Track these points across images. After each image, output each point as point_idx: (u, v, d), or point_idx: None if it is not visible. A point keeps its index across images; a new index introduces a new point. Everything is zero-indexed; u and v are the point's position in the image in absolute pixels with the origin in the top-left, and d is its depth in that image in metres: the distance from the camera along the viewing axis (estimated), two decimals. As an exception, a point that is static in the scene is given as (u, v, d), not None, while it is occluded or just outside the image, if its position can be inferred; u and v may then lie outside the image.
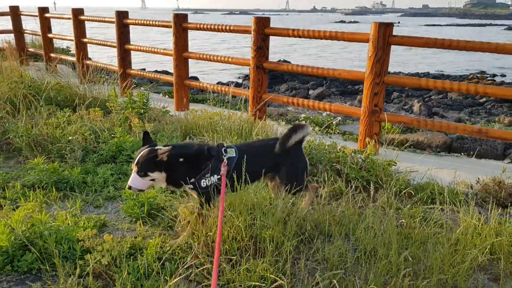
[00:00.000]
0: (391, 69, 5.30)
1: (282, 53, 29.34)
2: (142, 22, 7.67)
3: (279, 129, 5.11)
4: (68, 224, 2.90)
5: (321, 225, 2.99)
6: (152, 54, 8.00)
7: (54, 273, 2.52)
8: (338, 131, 6.10)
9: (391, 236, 2.69)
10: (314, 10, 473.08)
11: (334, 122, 6.35)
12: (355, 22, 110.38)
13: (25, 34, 11.69)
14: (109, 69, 8.06)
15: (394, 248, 2.57)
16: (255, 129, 4.62)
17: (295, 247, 2.71)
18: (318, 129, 6.01)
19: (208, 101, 7.29)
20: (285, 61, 19.22)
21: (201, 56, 6.86)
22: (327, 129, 6.07)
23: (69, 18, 9.20)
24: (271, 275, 2.41)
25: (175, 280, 2.32)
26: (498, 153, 5.30)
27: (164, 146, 2.72)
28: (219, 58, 6.58)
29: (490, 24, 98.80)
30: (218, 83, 13.34)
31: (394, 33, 4.81)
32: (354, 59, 28.06)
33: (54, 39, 10.60)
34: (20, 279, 2.48)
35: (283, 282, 2.33)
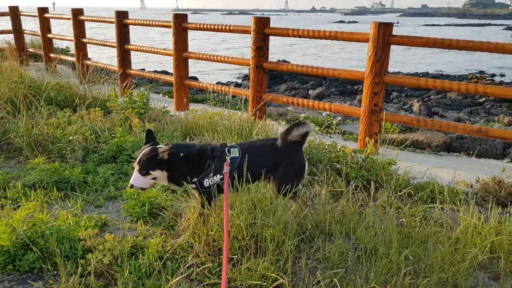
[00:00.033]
0: (390, 69, 5.31)
1: (282, 53, 29.35)
2: (142, 22, 7.67)
3: (279, 129, 5.12)
4: (69, 223, 2.90)
5: (321, 224, 3.00)
6: (152, 54, 8.02)
7: (55, 272, 2.53)
8: (338, 130, 6.11)
9: (392, 235, 2.70)
10: (313, 10, 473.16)
11: (334, 122, 6.36)
12: (354, 22, 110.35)
13: (24, 35, 11.70)
14: (109, 69, 8.05)
15: (395, 247, 2.58)
16: (255, 129, 4.62)
17: (296, 246, 2.72)
18: (318, 128, 6.01)
19: (208, 101, 7.30)
20: (284, 61, 19.23)
21: (201, 56, 6.86)
22: (327, 128, 6.08)
23: (68, 18, 9.21)
24: (272, 274, 2.42)
25: (177, 279, 2.34)
26: (498, 152, 5.31)
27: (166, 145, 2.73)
28: (219, 58, 6.58)
29: (489, 24, 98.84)
30: (217, 83, 13.34)
31: (394, 33, 4.82)
32: (353, 59, 28.06)
33: (53, 39, 10.61)
34: (21, 279, 2.49)
35: (284, 281, 2.35)
